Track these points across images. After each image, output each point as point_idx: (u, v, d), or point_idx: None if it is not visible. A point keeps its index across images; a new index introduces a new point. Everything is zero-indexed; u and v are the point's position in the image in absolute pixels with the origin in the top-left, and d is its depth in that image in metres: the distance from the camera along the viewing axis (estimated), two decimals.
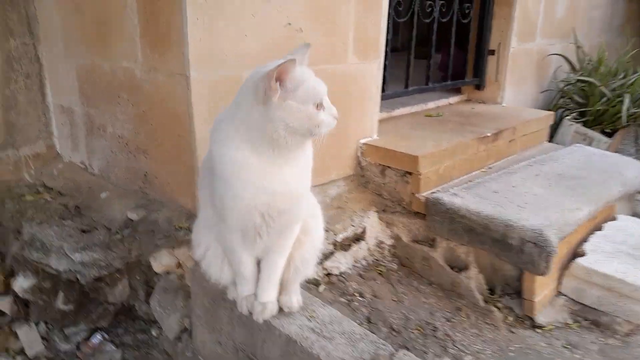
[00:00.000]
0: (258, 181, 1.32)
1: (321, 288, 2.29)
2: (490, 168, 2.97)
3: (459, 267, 2.42)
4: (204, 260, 1.61)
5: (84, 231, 2.27)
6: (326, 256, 2.38)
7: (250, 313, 1.55)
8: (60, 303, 2.17)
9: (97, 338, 2.21)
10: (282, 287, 1.59)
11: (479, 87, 3.95)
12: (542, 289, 2.24)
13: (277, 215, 1.39)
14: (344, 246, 2.46)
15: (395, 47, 3.27)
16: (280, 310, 1.57)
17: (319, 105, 1.28)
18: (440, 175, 2.64)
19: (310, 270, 1.65)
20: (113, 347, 2.19)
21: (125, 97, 2.33)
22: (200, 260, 1.62)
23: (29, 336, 2.21)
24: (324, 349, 1.39)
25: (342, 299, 2.27)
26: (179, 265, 2.07)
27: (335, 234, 2.39)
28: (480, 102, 3.96)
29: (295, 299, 1.59)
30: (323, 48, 2.39)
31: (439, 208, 2.43)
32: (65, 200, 2.59)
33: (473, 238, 2.32)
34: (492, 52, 3.87)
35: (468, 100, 4.05)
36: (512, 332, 2.21)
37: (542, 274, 2.13)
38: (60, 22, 2.60)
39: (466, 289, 2.33)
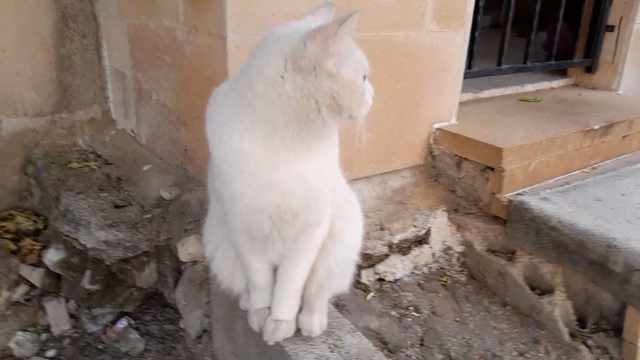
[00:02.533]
0: (265, 176, 1.00)
1: (369, 296, 1.97)
2: (594, 168, 2.43)
3: (542, 290, 1.97)
4: (213, 262, 1.33)
5: (117, 206, 2.10)
6: (379, 259, 2.04)
7: (262, 330, 1.24)
8: (86, 282, 2.02)
9: (122, 323, 2.05)
10: (304, 304, 1.27)
11: (589, 69, 3.33)
12: None
13: (291, 218, 1.06)
14: (402, 249, 2.09)
15: (497, 24, 2.79)
16: (299, 331, 1.26)
17: (364, 79, 1.00)
18: (529, 173, 2.18)
19: (341, 286, 1.31)
20: (137, 336, 2.01)
21: (168, 61, 2.10)
22: (210, 260, 1.34)
23: (56, 312, 2.09)
24: None
25: (393, 312, 1.92)
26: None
27: (391, 234, 2.03)
28: (589, 88, 3.34)
29: (317, 320, 1.26)
30: (392, 10, 2.00)
31: (524, 214, 1.98)
32: (109, 170, 2.45)
33: (564, 256, 1.86)
34: (611, 29, 3.22)
35: (575, 85, 3.45)
36: None
37: None
38: None
39: (548, 317, 1.89)
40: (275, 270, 1.25)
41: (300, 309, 1.28)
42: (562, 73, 3.47)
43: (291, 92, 0.94)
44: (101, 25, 2.68)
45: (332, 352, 1.21)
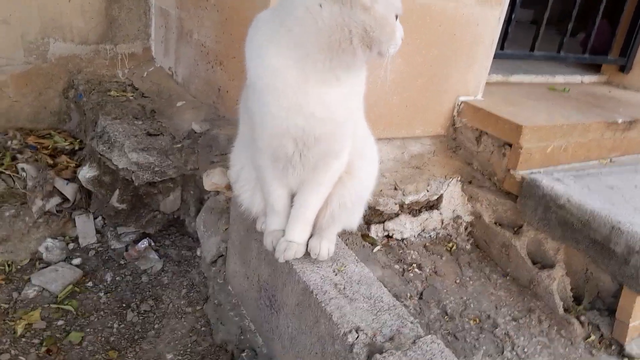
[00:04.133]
0: (295, 98, 1.09)
1: (376, 249, 2.06)
2: (612, 161, 2.48)
3: (543, 264, 2.05)
4: (237, 183, 1.44)
5: (150, 134, 2.22)
6: (390, 217, 2.13)
7: (275, 249, 1.36)
8: (115, 200, 2.16)
9: (144, 244, 2.18)
10: (316, 232, 1.38)
11: (623, 69, 3.33)
12: None
13: (313, 144, 1.16)
14: (412, 210, 2.18)
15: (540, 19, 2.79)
16: (308, 255, 1.36)
17: (396, 19, 1.08)
18: (546, 155, 2.23)
19: (351, 220, 1.42)
20: (156, 256, 2.15)
21: (212, 2, 2.19)
22: (234, 182, 1.45)
23: (85, 226, 2.23)
24: (340, 309, 1.18)
25: (397, 266, 2.02)
26: (229, 187, 1.94)
27: (404, 195, 2.12)
28: (621, 88, 3.35)
29: (325, 246, 1.36)
30: None
31: (535, 191, 2.05)
32: (145, 102, 2.56)
33: (568, 234, 1.94)
34: None
35: (607, 83, 3.45)
36: (592, 354, 1.84)
37: None
38: None
39: (546, 290, 1.97)
40: (292, 196, 1.35)
41: (312, 235, 1.38)
42: (595, 69, 3.47)
43: (327, 20, 1.02)
44: None
45: (335, 275, 1.32)
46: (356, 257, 1.40)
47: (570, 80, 3.30)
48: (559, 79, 3.24)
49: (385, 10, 1.03)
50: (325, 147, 1.18)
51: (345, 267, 1.36)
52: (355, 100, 1.19)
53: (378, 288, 1.28)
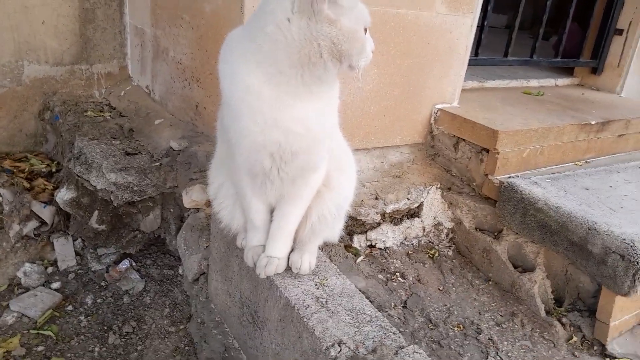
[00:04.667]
0: (270, 113, 1.09)
1: (359, 259, 2.07)
2: (587, 162, 2.52)
3: (524, 268, 2.08)
4: (216, 200, 1.43)
5: (128, 153, 2.20)
6: (372, 226, 2.14)
7: (255, 265, 1.35)
8: (94, 222, 2.13)
9: (125, 264, 2.16)
10: (297, 246, 1.38)
11: (595, 70, 3.41)
12: (622, 312, 1.85)
13: (290, 159, 1.16)
14: (394, 219, 2.19)
15: (513, 24, 2.85)
16: (290, 270, 1.36)
17: (365, 32, 1.09)
18: (523, 159, 2.27)
19: (332, 233, 1.42)
20: (138, 277, 2.12)
21: (187, 19, 2.19)
22: (213, 199, 1.45)
23: (64, 249, 2.20)
24: (322, 323, 1.17)
25: (380, 276, 2.03)
26: (209, 204, 1.93)
27: (385, 204, 2.13)
28: (593, 89, 3.42)
29: (307, 260, 1.36)
30: None
31: (513, 195, 2.07)
32: (123, 121, 2.55)
33: (546, 237, 1.96)
34: (620, 32, 3.29)
35: (579, 85, 3.52)
36: (575, 355, 1.85)
37: (626, 294, 1.75)
38: None
39: (527, 293, 1.99)
40: (272, 211, 1.35)
41: (292, 250, 1.38)
42: (568, 72, 3.55)
43: (296, 35, 1.03)
44: None
45: (317, 288, 1.32)
46: (338, 270, 1.40)
47: (545, 84, 3.36)
48: (534, 82, 3.30)
49: (352, 23, 1.04)
50: (303, 161, 1.18)
51: (326, 280, 1.36)
52: (330, 114, 1.19)
53: (360, 300, 1.29)
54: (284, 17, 1.03)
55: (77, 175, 2.13)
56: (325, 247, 1.76)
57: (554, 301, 2.02)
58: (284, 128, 1.11)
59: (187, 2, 2.17)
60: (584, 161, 2.53)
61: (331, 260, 1.93)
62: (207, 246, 1.86)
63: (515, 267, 2.08)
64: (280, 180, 1.22)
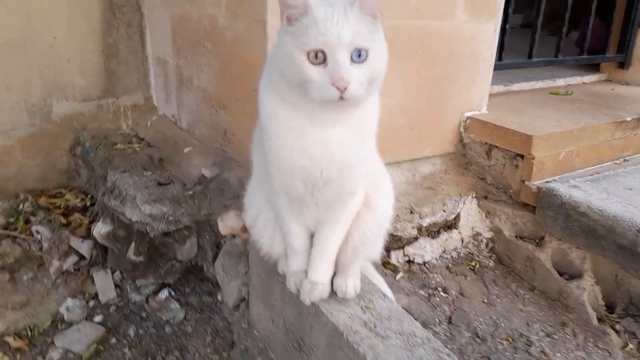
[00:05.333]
0: (294, 141, 1.07)
1: (399, 276, 2.03)
2: (626, 160, 2.45)
3: (571, 275, 2.01)
4: (254, 228, 1.42)
5: (160, 184, 2.22)
6: (409, 241, 2.10)
7: (299, 292, 1.33)
8: (131, 254, 2.15)
9: (164, 294, 2.17)
10: (339, 269, 1.35)
11: (622, 65, 3.33)
12: None
13: (322, 185, 1.13)
14: (431, 232, 2.15)
15: (530, 23, 2.82)
16: (334, 294, 1.34)
17: (318, 57, 0.93)
18: (559, 162, 2.21)
19: (374, 252, 1.39)
20: (178, 306, 2.13)
21: (209, 47, 2.21)
22: (251, 227, 1.43)
23: (103, 282, 2.22)
24: (373, 348, 1.14)
25: (422, 292, 1.98)
26: (245, 229, 1.92)
27: (421, 217, 2.09)
28: (622, 84, 3.34)
29: (351, 283, 1.33)
30: (427, 0, 2.06)
31: (553, 200, 2.02)
32: (152, 151, 2.58)
33: (592, 241, 1.90)
34: None
35: (607, 81, 3.44)
36: None
37: None
38: None
39: (577, 301, 1.92)
40: (312, 234, 1.33)
41: (335, 273, 1.36)
42: (594, 68, 3.47)
43: (274, 54, 1.02)
44: (145, 14, 2.83)
45: (364, 312, 1.29)
46: (383, 292, 1.37)
47: (571, 82, 3.29)
48: (560, 82, 3.23)
49: (290, 44, 0.95)
50: (336, 189, 1.16)
51: (373, 303, 1.33)
52: (364, 139, 1.15)
53: (409, 322, 1.25)
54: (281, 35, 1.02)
55: (112, 209, 2.16)
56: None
57: (605, 308, 1.95)
58: (310, 155, 1.08)
59: (208, 30, 2.19)
60: (622, 159, 2.45)
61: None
62: (245, 272, 1.85)
63: (560, 274, 2.02)
64: (315, 206, 1.20)
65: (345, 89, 0.93)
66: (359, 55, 0.95)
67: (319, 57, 0.93)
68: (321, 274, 1.32)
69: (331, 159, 1.10)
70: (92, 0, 2.67)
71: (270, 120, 1.09)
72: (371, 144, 1.21)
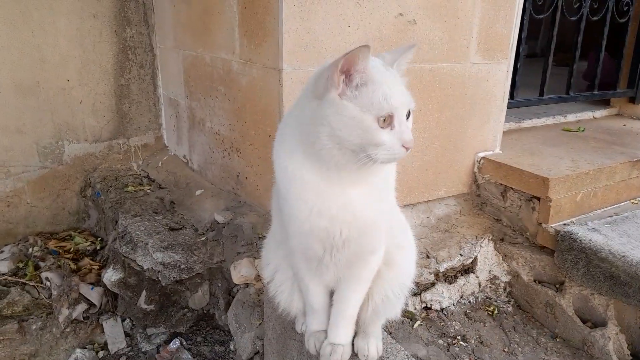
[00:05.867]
0: (313, 201, 1.05)
1: (416, 324, 1.98)
2: None
3: (594, 322, 1.95)
4: (272, 283, 1.38)
5: (172, 229, 2.19)
6: (426, 287, 2.05)
7: (318, 353, 1.28)
8: (142, 302, 2.10)
9: (175, 344, 2.11)
10: (360, 329, 1.31)
11: (633, 100, 3.32)
12: None
13: (341, 245, 1.10)
14: (448, 277, 2.11)
15: (534, 53, 2.83)
16: (355, 355, 1.29)
17: (387, 121, 0.94)
18: (576, 204, 2.17)
19: (395, 311, 1.35)
20: (189, 356, 2.07)
21: (222, 91, 2.21)
22: (268, 282, 1.40)
23: (113, 331, 2.17)
24: None
25: (441, 341, 1.93)
26: (259, 278, 1.89)
27: (438, 262, 2.05)
28: (634, 118, 3.32)
29: (373, 345, 1.29)
30: (440, 44, 2.06)
31: (573, 245, 1.97)
32: (163, 194, 2.56)
33: (616, 288, 1.84)
34: None
35: (618, 115, 3.42)
36: None
37: None
38: (172, 12, 2.57)
39: (601, 350, 1.86)
40: (332, 294, 1.29)
41: (356, 334, 1.31)
42: (605, 103, 3.46)
43: (308, 118, 0.99)
44: (157, 56, 2.84)
45: None
46: (406, 353, 1.32)
47: (582, 117, 3.28)
48: (571, 117, 3.22)
49: (359, 107, 0.94)
50: (356, 248, 1.13)
51: None
52: (385, 197, 1.13)
53: None
54: (306, 100, 1.01)
55: (123, 256, 2.12)
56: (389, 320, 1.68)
57: (631, 357, 1.88)
58: (330, 216, 1.06)
59: (222, 74, 2.19)
60: None
61: (387, 328, 1.87)
62: (259, 324, 1.81)
63: (583, 322, 1.96)
64: (334, 265, 1.17)
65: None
66: (408, 115, 0.99)
67: (387, 121, 0.95)
68: (342, 336, 1.28)
69: (351, 219, 1.08)
70: (105, 43, 2.69)
71: (289, 181, 1.07)
72: (391, 200, 1.19)
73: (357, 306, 1.27)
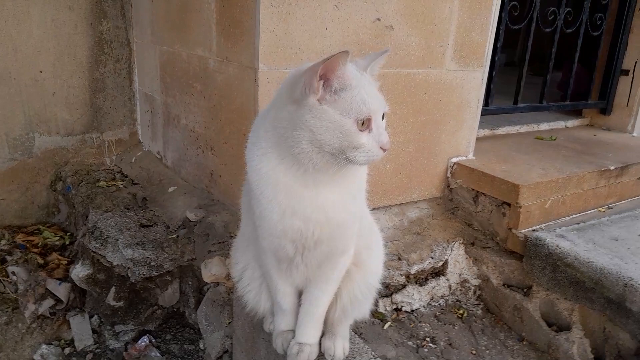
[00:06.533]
0: (287, 203, 1.05)
1: (386, 325, 1.99)
2: (610, 208, 2.47)
3: (559, 326, 1.99)
4: (240, 282, 1.38)
5: (143, 225, 2.17)
6: (397, 288, 2.07)
7: (286, 353, 1.28)
8: (111, 298, 2.07)
9: (144, 341, 2.08)
10: (327, 329, 1.32)
11: (604, 111, 3.40)
12: None
13: (313, 246, 1.11)
14: (419, 280, 2.13)
15: (512, 61, 2.88)
16: (322, 355, 1.29)
17: (365, 124, 0.97)
18: (545, 210, 2.22)
19: (363, 312, 1.36)
20: (158, 354, 2.05)
21: (198, 88, 2.20)
22: (237, 281, 1.39)
23: (80, 327, 2.13)
24: None
25: (410, 343, 1.95)
26: (230, 276, 1.88)
27: (409, 264, 2.07)
28: (604, 129, 3.41)
29: (340, 345, 1.30)
30: (416, 50, 2.08)
31: (541, 250, 2.01)
32: (135, 190, 2.52)
33: (580, 293, 1.89)
34: (626, 72, 3.30)
35: (590, 126, 3.51)
36: None
37: None
38: (150, 6, 2.55)
39: (566, 354, 1.90)
40: (300, 294, 1.29)
41: (323, 334, 1.32)
42: (577, 113, 3.54)
43: (284, 122, 1.00)
44: (134, 50, 2.81)
45: None
46: (373, 353, 1.33)
47: (555, 127, 3.35)
48: (544, 126, 3.28)
49: (338, 111, 0.96)
50: (327, 248, 1.13)
51: None
52: (356, 198, 1.14)
53: None
54: (282, 104, 1.01)
55: (93, 251, 2.09)
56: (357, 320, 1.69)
57: None
58: (303, 217, 1.06)
59: (198, 71, 2.18)
60: (606, 207, 2.48)
61: (357, 329, 1.88)
62: (229, 322, 1.80)
63: (549, 325, 2.00)
64: (305, 266, 1.18)
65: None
66: (382, 117, 1.02)
67: (365, 124, 0.97)
68: (309, 335, 1.28)
69: (324, 219, 1.08)
70: (80, 35, 2.65)
71: (264, 183, 1.07)
72: (362, 202, 1.20)
73: (326, 306, 1.27)
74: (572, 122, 3.44)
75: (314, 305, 1.26)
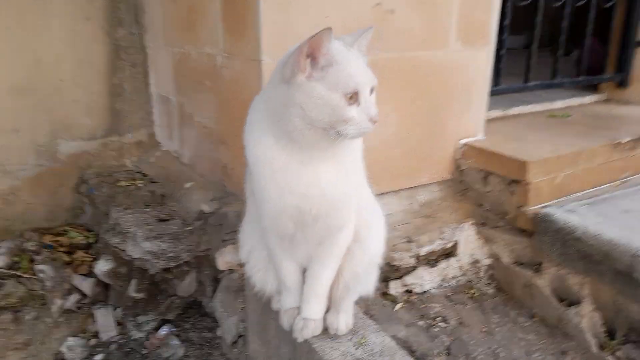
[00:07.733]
0: (284, 180, 1.11)
1: (397, 306, 2.03)
2: (624, 182, 2.44)
3: (570, 301, 1.99)
4: (248, 264, 1.45)
5: (161, 220, 2.26)
6: (407, 271, 2.10)
7: (292, 329, 1.34)
8: (132, 290, 2.17)
9: (164, 330, 2.18)
10: (332, 305, 1.37)
11: (622, 84, 3.32)
12: None
13: (311, 222, 1.16)
14: (429, 261, 2.15)
15: (531, 43, 2.84)
16: (327, 330, 1.35)
17: (353, 98, 1.01)
18: (555, 186, 2.21)
19: (367, 288, 1.41)
20: (177, 342, 2.13)
21: (208, 85, 2.28)
22: (244, 263, 1.46)
23: (105, 319, 2.24)
24: None
25: (421, 323, 1.98)
26: (242, 263, 1.95)
27: (419, 246, 2.10)
28: (622, 103, 3.33)
29: (343, 320, 1.35)
30: (419, 32, 2.10)
31: (550, 226, 2.01)
32: (154, 187, 2.63)
33: (590, 267, 1.89)
34: None
35: (607, 101, 3.44)
36: None
37: None
38: (161, 11, 2.64)
39: (576, 328, 1.90)
40: (304, 271, 1.35)
41: (328, 310, 1.37)
42: (593, 88, 3.47)
43: (277, 101, 1.05)
44: (149, 55, 2.91)
45: (356, 349, 1.30)
46: (376, 326, 1.38)
47: (570, 104, 3.30)
48: (559, 104, 3.24)
49: (326, 87, 1.00)
50: (325, 224, 1.18)
51: (365, 338, 1.34)
52: (352, 173, 1.18)
53: (401, 357, 1.26)
54: (275, 84, 1.07)
55: (114, 247, 2.19)
56: (362, 298, 1.74)
57: (605, 334, 1.92)
58: (299, 193, 1.12)
59: (207, 69, 2.26)
60: (621, 181, 2.44)
61: (369, 311, 1.92)
62: (242, 307, 1.87)
63: (560, 301, 2.00)
64: (305, 242, 1.23)
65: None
66: (372, 91, 1.06)
67: (353, 98, 1.01)
68: (313, 311, 1.33)
69: (321, 196, 1.13)
70: (97, 44, 2.76)
71: (261, 164, 1.13)
72: (359, 178, 1.25)
73: (329, 282, 1.32)
74: (589, 98, 3.38)
75: (316, 281, 1.31)
